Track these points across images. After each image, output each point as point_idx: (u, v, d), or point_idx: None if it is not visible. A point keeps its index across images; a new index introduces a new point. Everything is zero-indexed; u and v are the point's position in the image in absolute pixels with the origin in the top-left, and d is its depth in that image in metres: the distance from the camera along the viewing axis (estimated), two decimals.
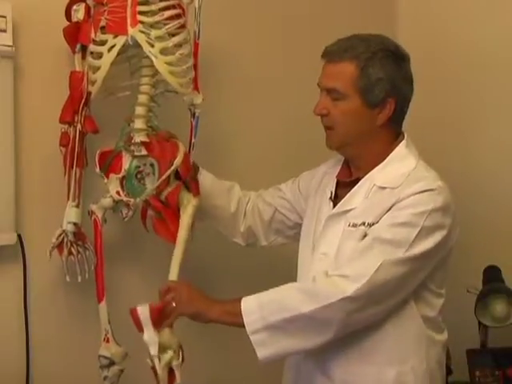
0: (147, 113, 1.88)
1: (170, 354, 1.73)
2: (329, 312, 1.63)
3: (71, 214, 1.86)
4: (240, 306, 1.67)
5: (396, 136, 1.81)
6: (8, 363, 1.89)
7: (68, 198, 1.87)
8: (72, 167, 1.86)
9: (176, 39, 1.85)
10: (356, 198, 1.77)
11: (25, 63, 1.90)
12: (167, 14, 1.84)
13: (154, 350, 1.70)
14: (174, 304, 1.73)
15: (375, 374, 1.72)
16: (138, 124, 1.87)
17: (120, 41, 1.81)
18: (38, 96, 1.93)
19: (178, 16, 1.86)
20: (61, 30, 1.90)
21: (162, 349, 1.72)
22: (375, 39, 1.77)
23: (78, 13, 1.88)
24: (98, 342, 1.93)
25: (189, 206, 1.88)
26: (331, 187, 1.86)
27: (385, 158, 1.78)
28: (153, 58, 1.81)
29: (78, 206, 1.87)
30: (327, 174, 1.92)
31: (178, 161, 1.85)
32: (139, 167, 1.89)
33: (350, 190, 1.80)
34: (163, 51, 1.82)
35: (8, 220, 1.85)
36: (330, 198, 1.84)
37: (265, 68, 2.37)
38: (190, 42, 1.90)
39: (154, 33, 1.81)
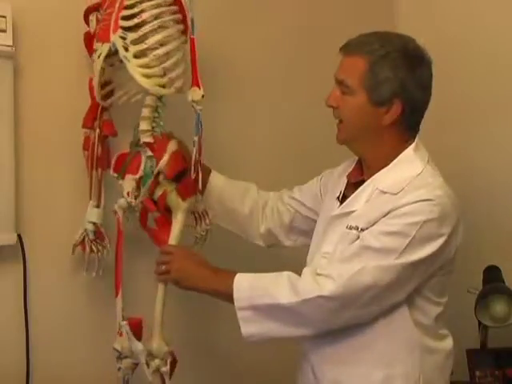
0: (152, 114, 1.88)
1: (157, 362, 1.86)
2: (306, 307, 1.65)
3: (91, 214, 1.92)
4: (233, 281, 1.71)
5: (406, 139, 1.78)
6: (8, 363, 1.88)
7: (90, 198, 1.92)
8: (93, 169, 1.91)
9: (153, 39, 1.81)
10: (358, 200, 1.76)
11: (25, 63, 1.90)
12: (145, 15, 1.82)
13: (142, 358, 1.85)
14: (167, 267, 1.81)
15: (363, 375, 1.71)
16: (143, 125, 1.88)
17: (105, 48, 1.81)
18: (37, 96, 1.93)
19: (160, 14, 1.84)
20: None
21: (151, 357, 1.86)
22: (395, 39, 1.76)
23: (92, 23, 1.92)
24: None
25: (179, 213, 1.90)
26: (341, 187, 1.86)
27: (392, 161, 1.76)
28: (126, 63, 1.79)
29: (98, 206, 1.92)
30: (344, 172, 1.91)
31: (161, 163, 1.87)
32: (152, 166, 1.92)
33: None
34: (138, 54, 1.80)
35: (8, 220, 1.85)
36: (338, 197, 1.83)
37: (266, 66, 2.37)
38: (179, 38, 1.88)
39: (130, 36, 1.80)
